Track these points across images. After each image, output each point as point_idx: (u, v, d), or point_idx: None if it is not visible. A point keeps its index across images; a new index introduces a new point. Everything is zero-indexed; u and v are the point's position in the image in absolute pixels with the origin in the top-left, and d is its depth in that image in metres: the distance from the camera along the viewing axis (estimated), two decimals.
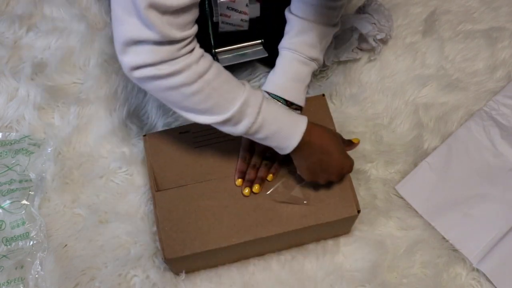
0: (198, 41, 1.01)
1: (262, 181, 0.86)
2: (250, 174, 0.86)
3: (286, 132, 0.75)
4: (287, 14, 0.85)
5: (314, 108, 0.92)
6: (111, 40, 1.14)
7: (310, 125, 0.76)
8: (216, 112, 0.71)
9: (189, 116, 0.72)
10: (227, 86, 0.71)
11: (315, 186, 0.86)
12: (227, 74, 0.73)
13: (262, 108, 0.73)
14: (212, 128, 0.90)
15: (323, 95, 0.94)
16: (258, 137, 0.75)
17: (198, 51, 0.69)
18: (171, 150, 0.89)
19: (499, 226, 0.97)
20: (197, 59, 0.68)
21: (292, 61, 0.84)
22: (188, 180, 0.87)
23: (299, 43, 0.83)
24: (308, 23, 0.82)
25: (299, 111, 0.88)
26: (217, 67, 0.71)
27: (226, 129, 0.74)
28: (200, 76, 0.68)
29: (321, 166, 0.79)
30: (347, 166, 0.82)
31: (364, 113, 1.08)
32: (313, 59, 0.84)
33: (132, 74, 0.67)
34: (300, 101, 0.87)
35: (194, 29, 0.67)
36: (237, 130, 0.73)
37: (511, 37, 1.16)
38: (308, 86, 1.10)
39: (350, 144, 0.85)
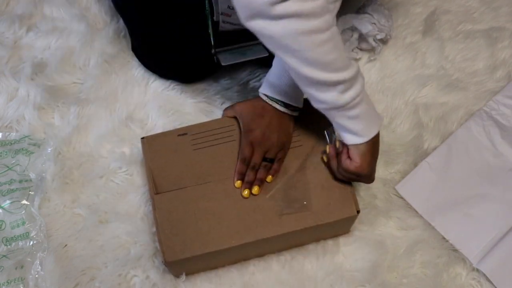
0: (198, 41, 1.01)
1: (262, 182, 0.86)
2: (249, 176, 0.86)
3: (372, 118, 0.78)
4: None
5: (313, 109, 0.92)
6: (111, 40, 1.14)
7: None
8: (334, 68, 0.71)
9: (304, 70, 0.71)
10: (343, 45, 0.73)
11: (314, 186, 0.86)
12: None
13: (363, 92, 0.75)
14: (211, 130, 0.90)
15: None
16: (352, 114, 0.76)
17: (332, 3, 0.71)
18: (170, 152, 0.89)
19: (499, 226, 0.97)
20: (330, 9, 0.68)
21: None
22: (187, 182, 0.87)
23: None
24: None
25: (297, 112, 0.88)
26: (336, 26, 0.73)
27: (331, 95, 0.73)
28: (331, 25, 0.68)
29: (375, 162, 0.83)
30: None
31: None
32: None
33: (273, 9, 0.65)
34: (299, 103, 0.86)
35: None
36: (341, 99, 0.73)
37: (511, 37, 1.16)
38: None
39: None
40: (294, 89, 0.85)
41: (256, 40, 1.02)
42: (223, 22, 0.94)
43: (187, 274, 0.93)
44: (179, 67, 1.06)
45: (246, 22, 0.68)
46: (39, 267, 0.95)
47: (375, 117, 0.79)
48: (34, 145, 1.05)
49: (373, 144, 0.80)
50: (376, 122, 0.79)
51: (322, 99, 0.74)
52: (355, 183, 0.99)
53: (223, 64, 0.99)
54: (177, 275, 0.93)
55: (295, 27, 0.66)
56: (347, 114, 0.76)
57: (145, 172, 0.90)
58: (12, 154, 1.03)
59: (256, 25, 0.68)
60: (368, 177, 0.83)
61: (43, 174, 1.02)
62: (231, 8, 0.92)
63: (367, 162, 0.81)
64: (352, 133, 0.78)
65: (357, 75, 0.73)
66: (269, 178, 0.86)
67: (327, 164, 0.87)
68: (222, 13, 0.92)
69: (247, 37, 1.01)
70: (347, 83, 0.72)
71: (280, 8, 0.65)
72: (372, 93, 1.10)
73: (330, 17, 0.68)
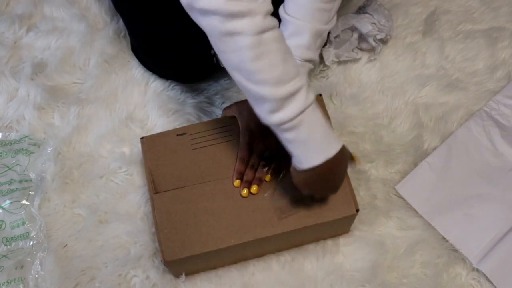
0: (197, 42, 1.01)
1: (260, 181, 0.86)
2: (248, 175, 0.86)
3: (314, 148, 0.72)
4: (281, 13, 0.84)
5: None
6: (111, 40, 1.15)
7: (339, 154, 0.73)
8: (257, 80, 0.67)
9: (231, 72, 0.69)
10: (283, 58, 0.67)
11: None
12: (288, 48, 0.70)
13: (307, 110, 0.70)
14: (210, 130, 0.90)
15: (320, 95, 0.94)
16: (286, 137, 0.72)
17: (268, 5, 0.66)
18: (169, 152, 0.89)
19: (499, 226, 0.97)
20: (265, 12, 0.65)
21: None
22: (186, 182, 0.87)
23: (293, 45, 0.82)
24: (301, 24, 0.81)
25: None
26: (279, 32, 0.68)
27: (260, 110, 0.70)
28: (260, 31, 0.65)
29: (321, 185, 0.78)
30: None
31: (364, 113, 1.08)
32: (307, 61, 0.84)
33: (197, 2, 0.63)
34: None
35: None
36: (270, 118, 0.70)
37: (511, 37, 1.16)
38: (308, 85, 1.10)
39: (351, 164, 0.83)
40: None
41: None
42: None
43: (187, 274, 0.93)
44: (179, 67, 1.06)
45: (187, 12, 0.67)
46: (39, 267, 0.95)
47: (323, 144, 0.73)
48: (34, 145, 1.05)
49: (318, 175, 0.74)
50: (321, 151, 0.72)
51: (257, 111, 0.71)
52: (355, 183, 0.99)
53: (222, 65, 0.99)
54: (177, 275, 0.93)
55: (218, 26, 0.65)
56: (283, 136, 0.72)
57: (145, 172, 0.90)
58: (12, 154, 1.03)
59: (192, 17, 0.67)
60: (311, 197, 0.81)
61: (43, 174, 1.02)
62: None
63: (305, 183, 0.78)
64: (293, 156, 0.74)
65: (292, 97, 0.68)
66: (267, 177, 0.86)
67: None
68: None
69: None
70: (274, 102, 0.67)
71: (204, 3, 0.64)
72: (372, 93, 1.10)
73: (260, 21, 0.65)
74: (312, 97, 0.71)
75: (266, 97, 0.68)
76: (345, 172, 0.79)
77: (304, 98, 0.69)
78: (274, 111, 0.69)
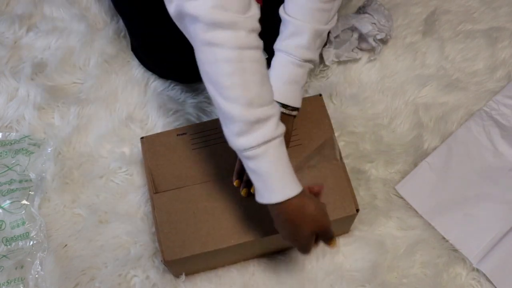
0: None
1: None
2: (248, 175, 0.86)
3: (274, 183, 0.70)
4: (281, 12, 0.84)
5: (311, 108, 0.92)
6: (111, 40, 1.15)
7: (299, 199, 0.71)
8: (229, 97, 0.65)
9: (210, 89, 0.67)
10: (260, 82, 0.66)
11: (313, 185, 0.86)
12: (266, 73, 0.69)
13: (273, 141, 0.68)
14: (210, 130, 0.90)
15: (320, 95, 0.94)
16: (249, 165, 0.71)
17: (255, 22, 0.65)
18: (169, 152, 0.89)
19: (499, 226, 0.97)
20: (249, 29, 0.64)
21: (286, 63, 0.83)
22: (186, 182, 0.87)
23: (292, 45, 0.82)
24: (301, 24, 0.81)
25: (295, 112, 0.87)
26: (261, 55, 0.67)
27: (227, 130, 0.69)
28: (241, 47, 0.64)
29: (282, 229, 0.76)
30: (326, 224, 0.75)
31: (364, 113, 1.08)
32: (307, 61, 0.84)
33: (185, 6, 0.63)
34: (296, 103, 0.86)
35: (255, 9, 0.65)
36: (235, 141, 0.69)
37: (511, 37, 1.16)
38: (308, 85, 1.11)
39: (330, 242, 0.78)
40: (291, 90, 0.85)
41: None
42: None
43: (187, 274, 0.93)
44: (179, 67, 1.06)
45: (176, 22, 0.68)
46: (39, 267, 0.95)
47: (283, 182, 0.70)
48: (34, 145, 1.05)
49: (277, 216, 0.73)
50: (280, 189, 0.70)
51: (224, 131, 0.70)
52: (355, 183, 0.99)
53: None
54: (177, 275, 0.93)
55: (199, 33, 0.64)
56: (246, 164, 0.71)
57: (145, 172, 0.90)
58: (12, 154, 1.03)
59: (181, 27, 0.67)
60: (290, 241, 0.76)
61: (43, 174, 1.02)
62: None
63: (279, 226, 0.75)
64: (255, 189, 0.73)
65: (261, 123, 0.66)
66: None
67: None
68: None
69: None
70: (242, 125, 0.66)
71: (190, 6, 0.63)
72: (372, 93, 1.10)
73: (243, 36, 0.64)
74: (281, 130, 0.70)
75: (235, 117, 0.66)
76: (310, 228, 0.73)
77: (273, 128, 0.68)
78: (240, 134, 0.67)
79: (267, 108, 0.68)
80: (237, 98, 0.66)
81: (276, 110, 0.70)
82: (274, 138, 0.69)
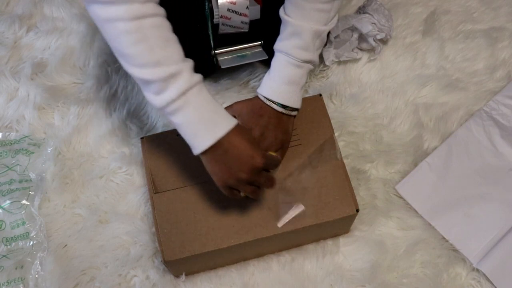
0: (198, 42, 1.01)
1: None
2: None
3: (202, 129, 0.71)
4: (281, 13, 0.84)
5: (311, 108, 0.92)
6: None
7: (233, 133, 0.72)
8: (139, 64, 0.68)
9: (121, 61, 0.70)
10: (164, 45, 0.69)
11: (313, 185, 0.86)
12: (172, 37, 0.71)
13: (191, 90, 0.70)
14: None
15: (320, 95, 0.94)
16: (174, 122, 0.72)
17: None
18: (169, 152, 0.89)
19: (499, 226, 0.97)
20: (143, 0, 0.66)
21: (286, 64, 0.84)
22: (186, 182, 0.87)
23: (291, 46, 0.82)
24: (300, 25, 0.81)
25: (295, 112, 0.88)
26: (162, 21, 0.69)
27: (147, 94, 0.71)
28: (138, 17, 0.66)
29: (223, 173, 0.75)
30: (254, 158, 0.74)
31: (364, 113, 1.08)
32: (306, 61, 0.84)
33: None
34: (296, 104, 0.86)
35: None
36: (155, 100, 0.70)
37: (511, 37, 1.16)
38: (308, 85, 1.11)
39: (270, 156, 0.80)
40: (291, 90, 0.85)
41: (256, 43, 1.03)
42: (223, 24, 0.94)
43: (187, 274, 0.93)
44: None
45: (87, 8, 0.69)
46: (39, 267, 0.95)
47: (210, 125, 0.71)
48: (34, 145, 1.05)
49: (215, 161, 0.74)
50: (212, 131, 0.71)
51: (146, 96, 0.72)
52: (355, 183, 0.99)
53: (222, 67, 0.99)
54: (177, 275, 0.93)
55: (99, 13, 0.67)
56: (172, 121, 0.72)
57: (145, 172, 0.90)
58: (12, 154, 1.03)
59: (90, 13, 0.68)
60: (222, 187, 0.77)
61: (43, 174, 1.02)
62: (231, 11, 0.92)
63: (213, 175, 0.76)
64: (188, 143, 0.74)
65: (174, 77, 0.69)
66: None
67: None
68: (221, 16, 0.92)
69: (247, 40, 1.02)
70: (157, 84, 0.69)
71: None
72: (372, 93, 1.10)
73: (138, 7, 0.66)
74: (197, 78, 0.71)
75: (149, 79, 0.69)
76: (245, 170, 0.74)
77: (187, 79, 0.70)
78: (158, 92, 0.69)
79: (177, 65, 0.69)
80: (145, 63, 0.68)
81: (188, 64, 0.71)
82: (191, 87, 0.70)
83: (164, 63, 0.69)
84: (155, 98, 0.70)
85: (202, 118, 0.71)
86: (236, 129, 0.74)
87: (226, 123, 0.73)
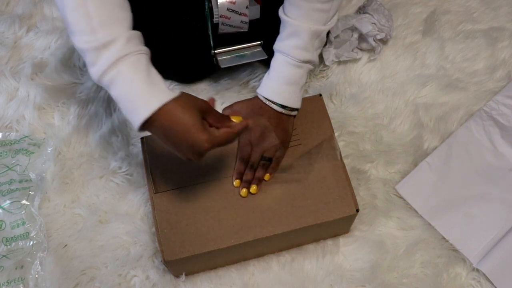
0: (197, 42, 1.01)
1: (260, 181, 0.86)
2: (248, 175, 0.86)
3: (135, 102, 0.67)
4: (280, 13, 0.84)
5: (311, 108, 0.92)
6: None
7: (173, 106, 0.67)
8: (78, 31, 0.65)
9: (70, 36, 0.68)
10: (103, 12, 0.66)
11: (313, 185, 0.86)
12: (117, 4, 0.68)
13: (125, 60, 0.66)
14: None
15: (320, 95, 0.94)
16: (112, 95, 0.68)
17: None
18: (169, 152, 0.89)
19: (499, 226, 0.97)
20: None
21: (285, 64, 0.84)
22: (186, 182, 0.87)
23: (290, 46, 0.82)
24: (298, 25, 0.81)
25: (295, 112, 0.88)
26: None
27: (88, 68, 0.68)
28: None
29: (172, 146, 0.71)
30: (198, 143, 0.69)
31: (364, 113, 1.08)
32: (305, 62, 0.84)
33: None
34: (296, 104, 0.86)
35: None
36: (92, 72, 0.67)
37: (511, 37, 1.16)
38: (308, 85, 1.11)
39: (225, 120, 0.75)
40: (290, 91, 0.85)
41: (255, 42, 1.03)
42: (223, 24, 0.94)
43: (187, 274, 0.93)
44: (179, 67, 1.06)
45: None
46: (39, 267, 0.95)
47: (145, 97, 0.66)
48: (34, 145, 1.05)
49: (159, 134, 0.69)
50: (143, 104, 0.66)
51: (87, 64, 0.68)
52: (355, 183, 0.99)
53: (222, 67, 0.99)
54: (177, 275, 0.93)
55: None
56: (111, 94, 0.68)
57: (145, 172, 0.90)
58: (12, 154, 1.03)
59: None
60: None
61: (43, 174, 1.02)
62: (231, 11, 0.92)
63: (165, 144, 0.72)
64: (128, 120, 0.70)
65: (106, 47, 0.65)
66: (266, 176, 0.86)
67: None
68: (221, 16, 0.92)
69: (246, 40, 1.02)
70: (91, 53, 0.65)
71: None
72: (372, 93, 1.10)
73: None
74: (133, 48, 0.67)
75: (84, 48, 0.66)
76: (193, 140, 0.69)
77: (120, 48, 0.66)
78: (93, 63, 0.66)
79: (111, 31, 0.66)
80: (82, 30, 0.66)
81: (125, 33, 0.67)
82: (125, 55, 0.66)
83: (98, 30, 0.65)
84: (91, 70, 0.67)
85: (137, 89, 0.66)
86: (178, 102, 0.68)
87: (164, 95, 0.67)
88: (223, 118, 0.75)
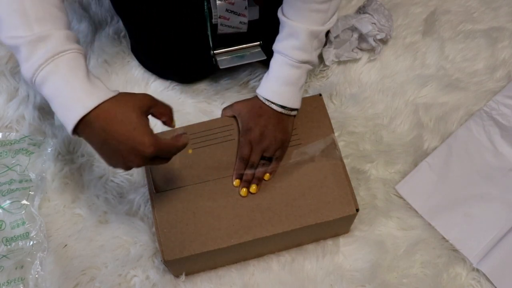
0: (197, 43, 1.01)
1: (260, 181, 0.86)
2: (247, 175, 0.86)
3: (71, 99, 0.62)
4: (279, 14, 0.84)
5: (311, 108, 0.92)
6: (111, 40, 1.15)
7: (112, 105, 0.62)
8: (14, 25, 0.62)
9: None
10: (40, 3, 0.63)
11: (313, 185, 0.86)
12: (51, 4, 0.64)
13: (62, 56, 0.62)
14: (209, 130, 0.90)
15: (320, 95, 0.94)
16: (44, 95, 0.63)
17: None
18: None
19: (499, 226, 0.97)
20: None
21: (283, 65, 0.84)
22: (186, 182, 0.87)
23: (289, 47, 0.82)
24: (297, 26, 0.81)
25: (295, 112, 0.88)
26: None
27: (20, 66, 0.63)
28: None
29: (103, 155, 0.66)
30: (141, 146, 0.64)
31: (364, 113, 1.08)
32: (304, 62, 0.84)
33: None
34: (295, 104, 0.86)
35: None
36: (24, 69, 0.62)
37: (511, 37, 1.16)
38: (308, 85, 1.11)
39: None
40: (289, 91, 0.85)
41: (255, 43, 1.03)
42: (222, 25, 0.94)
43: (187, 274, 0.93)
44: (178, 67, 1.06)
45: None
46: (39, 267, 0.95)
47: (78, 96, 0.62)
48: (34, 145, 1.05)
49: (91, 141, 0.64)
50: (74, 105, 0.61)
51: (19, 62, 0.64)
52: (355, 183, 0.99)
53: (221, 67, 0.99)
54: (177, 275, 0.93)
55: None
56: (43, 95, 0.64)
57: (145, 172, 0.90)
58: (12, 154, 1.03)
59: None
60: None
61: (43, 174, 1.02)
62: (229, 12, 0.92)
63: (100, 156, 0.68)
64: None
65: (46, 39, 0.62)
66: (266, 176, 0.86)
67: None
68: (220, 17, 0.92)
69: (245, 40, 1.02)
70: (27, 46, 0.61)
71: None
72: (372, 93, 1.10)
73: None
74: (71, 45, 0.64)
75: (18, 44, 0.62)
76: (136, 143, 0.63)
77: (59, 44, 0.62)
78: (27, 59, 0.62)
79: (49, 27, 0.63)
80: (16, 25, 0.62)
81: (63, 30, 0.64)
82: (63, 51, 0.63)
83: (34, 25, 0.62)
84: (23, 67, 0.63)
85: (73, 86, 0.62)
86: (118, 101, 0.63)
87: (103, 93, 0.62)
88: (168, 109, 0.71)
